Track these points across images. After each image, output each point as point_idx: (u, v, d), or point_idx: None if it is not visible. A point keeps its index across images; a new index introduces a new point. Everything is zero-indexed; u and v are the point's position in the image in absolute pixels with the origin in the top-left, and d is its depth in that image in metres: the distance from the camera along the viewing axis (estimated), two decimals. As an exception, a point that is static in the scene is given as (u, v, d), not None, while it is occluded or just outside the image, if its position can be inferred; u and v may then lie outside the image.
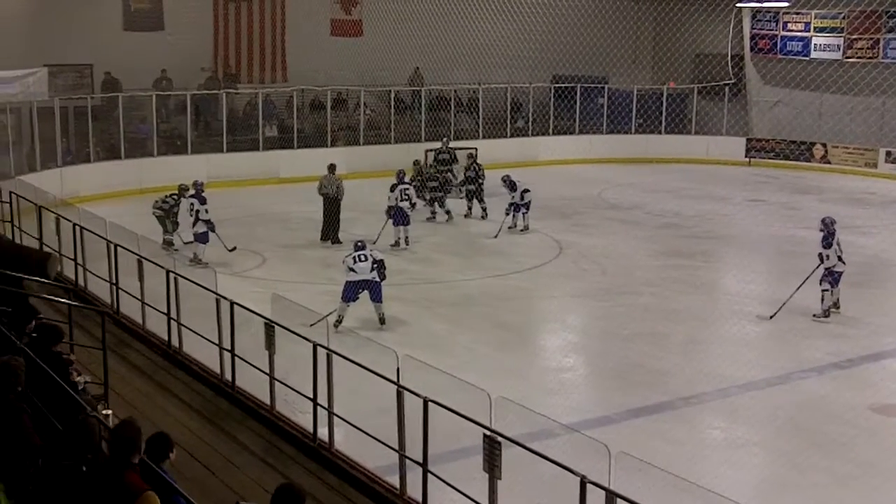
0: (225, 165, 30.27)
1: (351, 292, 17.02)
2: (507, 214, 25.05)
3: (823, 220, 18.65)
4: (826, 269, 18.17)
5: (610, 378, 15.46)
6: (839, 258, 18.26)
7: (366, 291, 17.09)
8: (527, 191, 25.10)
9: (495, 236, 24.18)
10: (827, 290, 18.14)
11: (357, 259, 17.02)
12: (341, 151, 32.25)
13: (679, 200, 29.61)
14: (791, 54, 37.86)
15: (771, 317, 17.95)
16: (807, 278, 18.20)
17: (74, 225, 17.21)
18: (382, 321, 17.14)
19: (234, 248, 21.85)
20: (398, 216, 23.17)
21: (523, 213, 25.16)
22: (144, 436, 7.58)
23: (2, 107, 26.88)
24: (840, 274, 18.27)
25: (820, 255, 18.27)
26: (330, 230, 23.42)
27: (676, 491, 8.86)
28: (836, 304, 18.38)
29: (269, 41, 34.65)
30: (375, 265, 17.01)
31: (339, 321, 16.71)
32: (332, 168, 23.89)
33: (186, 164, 29.55)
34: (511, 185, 25.07)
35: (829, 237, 18.29)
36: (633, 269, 21.67)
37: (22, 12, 30.19)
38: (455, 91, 36.23)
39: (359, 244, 17.55)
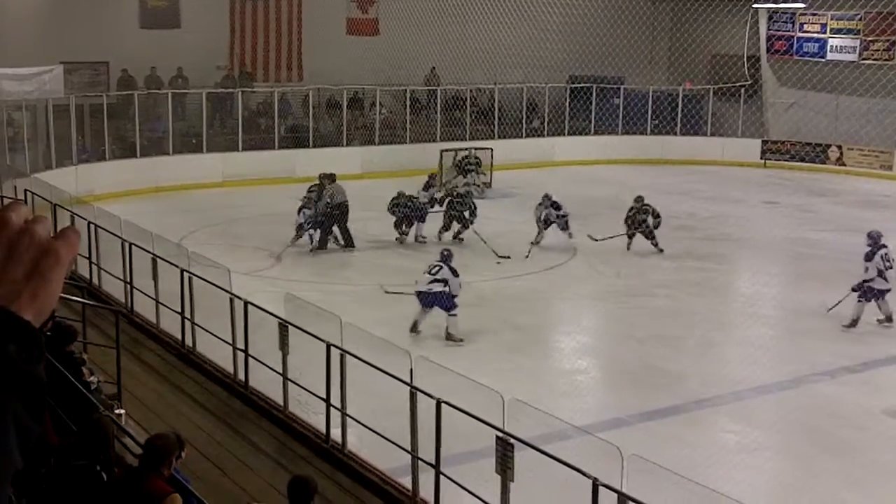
0: (241, 164, 30.32)
1: (421, 300, 16.92)
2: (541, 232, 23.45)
3: (869, 234, 18.16)
4: (864, 281, 17.61)
5: (623, 380, 15.45)
6: (880, 273, 17.60)
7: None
8: (564, 216, 23.66)
9: (526, 256, 22.48)
10: (861, 303, 17.59)
11: (428, 270, 16.94)
12: (357, 151, 32.31)
13: (694, 202, 29.55)
14: (807, 56, 37.73)
15: (829, 310, 17.79)
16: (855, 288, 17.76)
17: (89, 223, 17.27)
18: (451, 337, 16.71)
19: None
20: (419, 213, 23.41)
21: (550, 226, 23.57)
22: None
23: (18, 104, 27.00)
24: (881, 291, 17.62)
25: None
26: (347, 237, 22.98)
27: (689, 494, 8.85)
28: (889, 318, 17.87)
29: (285, 40, 34.69)
30: (439, 281, 16.69)
31: (414, 326, 16.82)
32: (331, 178, 23.33)
33: (202, 163, 29.67)
34: (555, 205, 23.61)
35: (871, 250, 17.77)
36: (647, 271, 21.64)
37: (38, 10, 30.29)
38: (471, 91, 36.20)
39: (444, 252, 17.59)
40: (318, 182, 23.06)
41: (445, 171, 30.36)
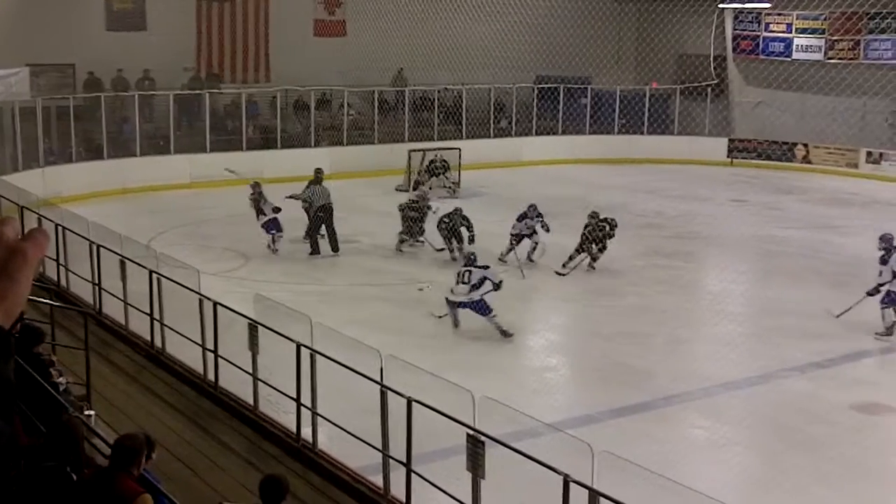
0: (208, 165, 30.18)
1: (450, 306, 17.03)
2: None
3: (882, 237, 17.76)
4: (882, 286, 17.33)
5: (593, 378, 15.50)
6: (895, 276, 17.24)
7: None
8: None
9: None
10: (886, 308, 17.29)
11: (459, 279, 16.95)
12: (325, 152, 32.22)
13: (661, 201, 29.66)
14: (773, 55, 38.00)
15: (838, 315, 17.70)
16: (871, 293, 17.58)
17: (57, 225, 17.17)
18: (504, 334, 16.70)
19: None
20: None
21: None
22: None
23: (-17, 107, 26.83)
24: None
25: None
26: (332, 240, 22.30)
27: (659, 490, 8.89)
28: None
29: (252, 41, 34.59)
30: (476, 286, 16.72)
31: (455, 323, 17.10)
32: (317, 180, 22.84)
33: (170, 164, 29.55)
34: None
35: (886, 254, 17.43)
36: (616, 269, 21.67)
37: (3, 12, 30.08)
38: (438, 92, 36.22)
39: (470, 256, 17.64)
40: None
41: (416, 173, 30.44)
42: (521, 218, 22.01)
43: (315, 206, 22.17)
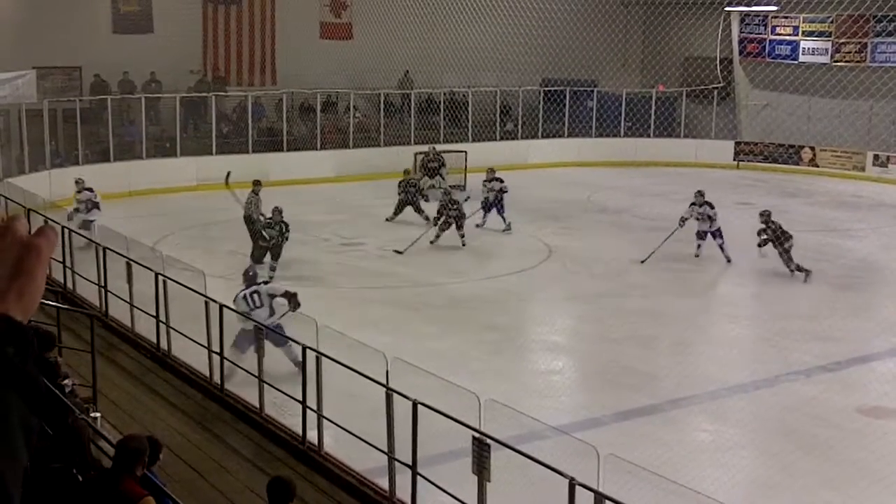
0: (215, 168, 30.18)
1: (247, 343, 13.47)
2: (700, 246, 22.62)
3: None
4: None
5: (598, 380, 15.48)
6: None
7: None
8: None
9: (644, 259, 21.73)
10: None
11: (250, 301, 14.25)
12: (331, 154, 32.24)
13: (667, 204, 29.55)
14: (779, 58, 37.91)
15: None
16: None
17: (63, 227, 17.19)
18: (299, 365, 12.47)
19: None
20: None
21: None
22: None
23: (-10, 109, 26.90)
24: None
25: None
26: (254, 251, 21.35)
27: (664, 493, 8.89)
28: None
29: (258, 44, 34.64)
30: (272, 305, 14.35)
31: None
32: (254, 184, 22.42)
33: (176, 167, 29.57)
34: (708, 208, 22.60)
35: None
36: (621, 272, 21.66)
37: (10, 15, 30.15)
38: (444, 94, 36.21)
39: (250, 273, 15.12)
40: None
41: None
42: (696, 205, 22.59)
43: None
